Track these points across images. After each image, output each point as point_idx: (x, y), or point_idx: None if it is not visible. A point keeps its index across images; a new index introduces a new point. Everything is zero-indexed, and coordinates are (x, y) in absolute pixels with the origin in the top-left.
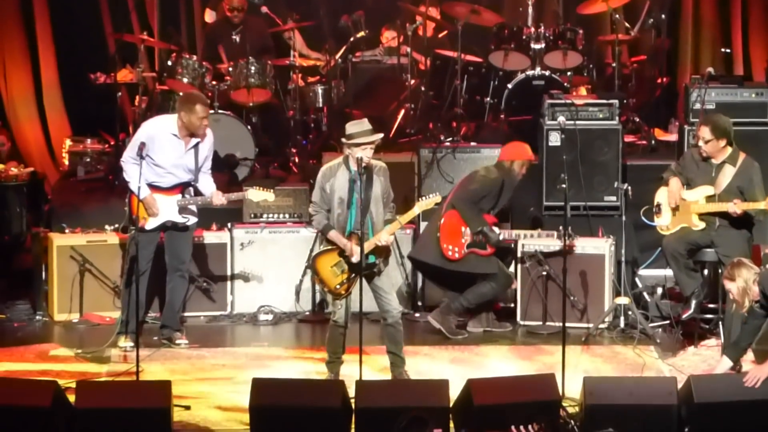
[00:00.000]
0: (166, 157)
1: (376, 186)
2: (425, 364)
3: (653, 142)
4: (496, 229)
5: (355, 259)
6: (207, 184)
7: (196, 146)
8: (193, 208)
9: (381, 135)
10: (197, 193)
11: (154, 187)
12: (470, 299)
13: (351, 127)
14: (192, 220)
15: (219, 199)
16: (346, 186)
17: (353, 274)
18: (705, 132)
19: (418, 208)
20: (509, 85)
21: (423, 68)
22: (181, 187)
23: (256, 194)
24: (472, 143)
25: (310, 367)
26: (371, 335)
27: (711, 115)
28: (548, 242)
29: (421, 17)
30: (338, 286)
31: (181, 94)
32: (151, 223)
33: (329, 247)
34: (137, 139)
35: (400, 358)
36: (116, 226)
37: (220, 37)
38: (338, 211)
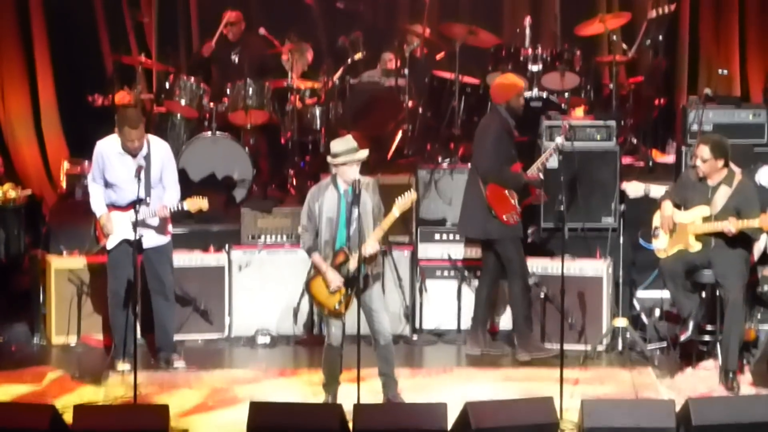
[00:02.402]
0: (116, 174)
1: (366, 202)
2: (423, 386)
3: (651, 163)
4: (530, 173)
5: (332, 288)
6: (171, 198)
7: (147, 160)
8: (152, 222)
9: (366, 152)
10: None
11: (113, 206)
12: (521, 311)
13: (336, 145)
14: (156, 237)
15: (162, 212)
16: (335, 205)
17: (349, 290)
18: (704, 151)
19: (397, 210)
20: None
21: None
22: (132, 206)
23: (191, 203)
24: (469, 164)
25: (307, 390)
26: (369, 357)
27: (710, 134)
28: (546, 263)
29: (418, 38)
30: (337, 306)
31: (179, 115)
32: (111, 242)
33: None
34: (93, 162)
35: (392, 380)
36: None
37: (218, 56)
38: (325, 233)
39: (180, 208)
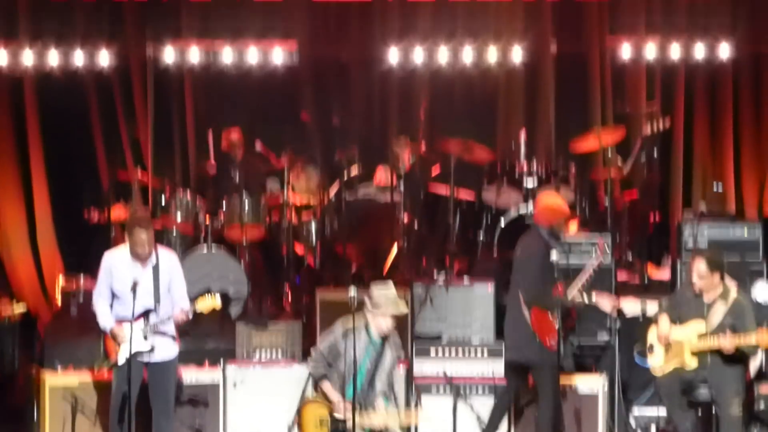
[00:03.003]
0: (124, 284)
1: (388, 357)
2: None
3: (646, 280)
4: (569, 296)
5: (339, 415)
6: (183, 306)
7: (155, 268)
8: (162, 332)
9: (406, 311)
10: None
11: (121, 320)
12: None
13: (377, 293)
14: (165, 350)
15: (179, 314)
16: (362, 351)
17: None
18: (700, 267)
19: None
20: (501, 222)
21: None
22: (143, 316)
23: (203, 304)
24: (465, 279)
25: None
26: None
27: (705, 249)
28: None
29: (409, 156)
30: None
31: (174, 231)
32: (121, 357)
33: (320, 398)
34: (100, 276)
35: None
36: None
37: (218, 173)
38: (341, 374)
39: (193, 310)
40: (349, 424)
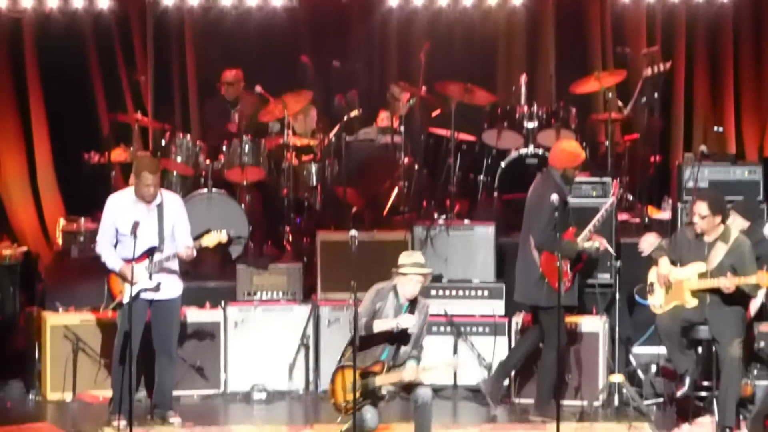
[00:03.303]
0: (129, 226)
1: (416, 324)
2: None
3: (647, 220)
4: (582, 239)
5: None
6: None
7: (159, 209)
8: (171, 265)
9: (431, 270)
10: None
11: (125, 261)
12: (548, 381)
13: (404, 259)
14: (169, 289)
15: (184, 251)
16: (392, 313)
17: (362, 399)
18: (702, 208)
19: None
20: (502, 164)
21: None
22: (147, 255)
23: (209, 239)
24: (466, 221)
25: None
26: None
27: (707, 190)
28: None
29: (409, 99)
30: (344, 404)
31: (175, 173)
32: (126, 296)
33: (356, 365)
34: (104, 219)
35: None
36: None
37: (218, 114)
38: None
39: (199, 247)
40: (379, 383)
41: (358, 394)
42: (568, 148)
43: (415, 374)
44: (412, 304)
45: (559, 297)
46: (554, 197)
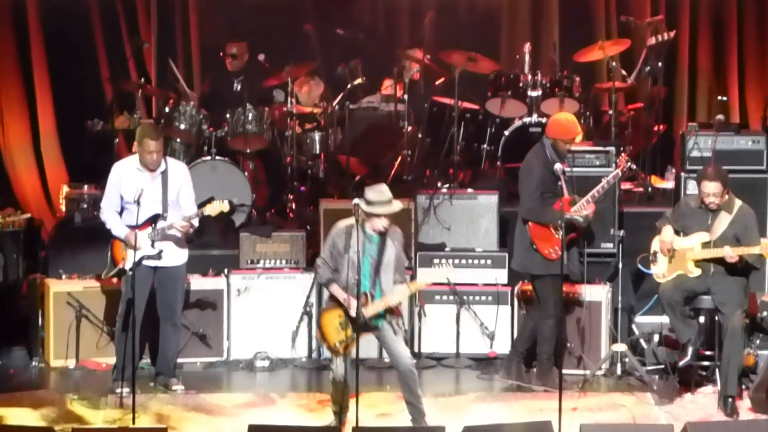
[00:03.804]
0: (133, 193)
1: (389, 251)
2: None
3: (650, 189)
4: (575, 208)
5: (352, 312)
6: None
7: (164, 176)
8: (170, 238)
9: (400, 206)
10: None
11: (129, 227)
12: (547, 349)
13: (371, 194)
14: (174, 256)
15: (180, 221)
16: (361, 249)
17: (355, 334)
18: (716, 188)
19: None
20: (506, 132)
21: None
22: (150, 222)
23: (211, 208)
24: (469, 190)
25: (306, 413)
26: (368, 380)
27: (714, 169)
28: None
29: (417, 64)
30: (338, 344)
31: (178, 141)
32: (129, 263)
33: (334, 304)
34: (109, 186)
35: (417, 409)
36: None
37: (224, 87)
38: (350, 274)
39: (201, 215)
40: (368, 314)
41: (350, 332)
42: (561, 119)
43: (404, 295)
44: (382, 236)
45: (561, 265)
46: (558, 166)
